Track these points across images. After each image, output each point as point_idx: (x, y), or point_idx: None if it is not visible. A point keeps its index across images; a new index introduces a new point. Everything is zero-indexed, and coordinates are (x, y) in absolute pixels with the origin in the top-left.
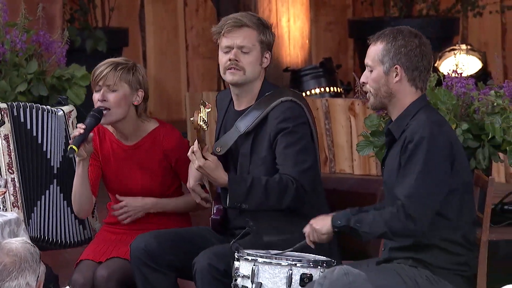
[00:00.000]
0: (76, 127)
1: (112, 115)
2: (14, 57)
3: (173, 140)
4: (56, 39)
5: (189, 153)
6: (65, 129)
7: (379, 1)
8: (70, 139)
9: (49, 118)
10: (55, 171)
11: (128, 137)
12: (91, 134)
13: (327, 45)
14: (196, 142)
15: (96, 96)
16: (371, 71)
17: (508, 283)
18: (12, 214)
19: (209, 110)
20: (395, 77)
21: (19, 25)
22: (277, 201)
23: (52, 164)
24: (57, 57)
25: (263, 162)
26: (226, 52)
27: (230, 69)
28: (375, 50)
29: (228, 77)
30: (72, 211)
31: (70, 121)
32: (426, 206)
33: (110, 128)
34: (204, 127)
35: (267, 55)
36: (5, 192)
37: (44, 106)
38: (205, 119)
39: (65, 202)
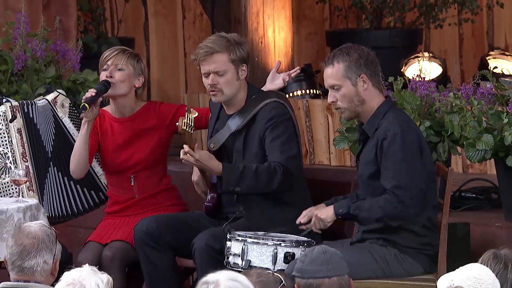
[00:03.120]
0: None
1: (116, 88)
2: (35, 63)
3: (161, 103)
4: (71, 47)
5: (182, 156)
6: (53, 115)
7: (353, 14)
8: (62, 121)
9: (39, 110)
10: (50, 155)
11: (124, 114)
12: (100, 98)
13: (307, 53)
14: (185, 145)
15: (103, 74)
16: (338, 89)
17: (464, 260)
18: (33, 200)
19: (195, 115)
20: (363, 85)
21: (39, 35)
22: (266, 184)
23: (47, 150)
24: (72, 63)
25: (255, 157)
26: (206, 77)
27: (212, 91)
28: (336, 70)
29: (212, 98)
30: (75, 183)
31: (57, 106)
32: (412, 191)
33: (109, 109)
34: (189, 130)
35: (244, 68)
36: (27, 181)
37: (34, 101)
38: (189, 123)
39: (65, 178)
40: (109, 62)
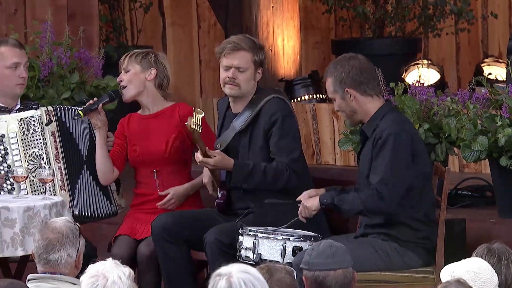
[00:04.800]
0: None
1: (128, 90)
2: (60, 70)
3: (189, 108)
4: (94, 55)
5: (198, 162)
6: (88, 123)
7: (357, 24)
8: (94, 130)
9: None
10: (84, 159)
11: (150, 108)
12: (100, 105)
13: (314, 60)
14: (199, 153)
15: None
16: (335, 100)
17: (460, 254)
18: (58, 198)
19: (203, 115)
20: (350, 97)
21: (64, 44)
22: (272, 183)
23: (82, 153)
24: (95, 70)
25: (261, 151)
26: (226, 70)
27: (229, 84)
28: (328, 85)
29: (227, 90)
30: (100, 189)
31: None
32: (394, 189)
33: (139, 111)
34: (197, 129)
35: (260, 71)
36: (51, 180)
37: (72, 107)
38: (197, 123)
39: (94, 182)
40: (120, 69)
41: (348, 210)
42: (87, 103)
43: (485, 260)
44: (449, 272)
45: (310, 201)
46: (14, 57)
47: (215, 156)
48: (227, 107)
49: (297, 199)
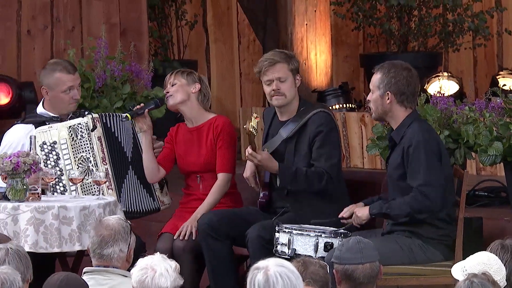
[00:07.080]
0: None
1: (172, 98)
2: (113, 81)
3: (223, 119)
4: (144, 68)
5: (246, 155)
6: (132, 128)
7: (383, 40)
8: (137, 134)
9: (122, 123)
10: (130, 160)
11: (192, 121)
12: (146, 111)
13: (344, 72)
14: (249, 147)
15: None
16: (372, 93)
17: (478, 249)
18: (111, 198)
19: (258, 120)
20: (387, 100)
21: (117, 58)
22: (312, 185)
23: (127, 156)
24: (145, 82)
25: (304, 158)
26: (269, 84)
27: (275, 95)
28: (375, 78)
29: (274, 102)
30: (144, 187)
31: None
32: (435, 188)
33: (185, 122)
34: (254, 132)
35: (298, 77)
36: (105, 182)
37: (119, 114)
38: (254, 126)
39: (139, 181)
40: (167, 84)
41: (397, 215)
42: (135, 108)
43: (498, 255)
44: (460, 269)
45: (361, 211)
46: (68, 82)
47: (263, 155)
48: (273, 115)
49: (339, 216)
